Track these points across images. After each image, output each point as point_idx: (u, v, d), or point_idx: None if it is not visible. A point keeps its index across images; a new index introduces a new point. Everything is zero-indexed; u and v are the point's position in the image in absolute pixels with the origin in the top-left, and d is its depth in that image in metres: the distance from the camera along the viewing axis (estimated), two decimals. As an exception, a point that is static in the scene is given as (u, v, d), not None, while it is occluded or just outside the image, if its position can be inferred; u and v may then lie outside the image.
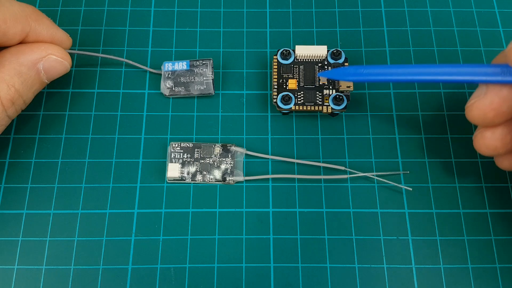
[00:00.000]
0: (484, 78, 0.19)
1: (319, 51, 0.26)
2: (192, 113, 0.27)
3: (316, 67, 0.26)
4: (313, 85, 0.26)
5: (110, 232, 0.24)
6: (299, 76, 0.26)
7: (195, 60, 0.27)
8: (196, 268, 0.23)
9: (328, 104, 0.25)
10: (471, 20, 0.29)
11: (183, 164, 0.25)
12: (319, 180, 0.25)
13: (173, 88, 0.27)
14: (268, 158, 0.26)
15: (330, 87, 0.26)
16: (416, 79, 0.20)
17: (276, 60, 0.26)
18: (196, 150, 0.25)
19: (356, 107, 0.27)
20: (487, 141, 0.21)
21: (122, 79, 0.27)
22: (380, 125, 0.26)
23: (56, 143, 0.26)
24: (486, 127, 0.21)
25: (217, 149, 0.25)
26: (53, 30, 0.24)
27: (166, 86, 0.27)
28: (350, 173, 0.25)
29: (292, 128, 0.26)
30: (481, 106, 0.20)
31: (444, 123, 0.27)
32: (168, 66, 0.27)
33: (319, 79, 0.26)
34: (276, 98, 0.26)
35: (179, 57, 0.28)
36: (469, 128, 0.26)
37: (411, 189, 0.25)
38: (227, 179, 0.25)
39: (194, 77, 0.27)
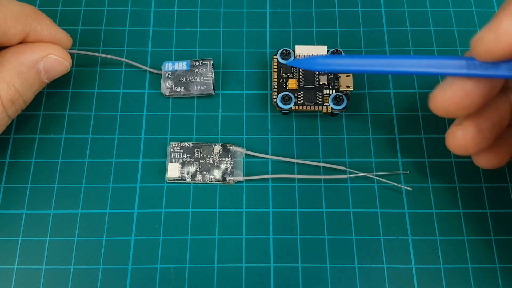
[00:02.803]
0: (449, 70, 0.19)
1: (319, 51, 0.26)
2: (192, 113, 0.27)
3: (316, 67, 0.26)
4: (313, 85, 0.26)
5: (110, 232, 0.24)
6: (299, 76, 0.26)
7: (195, 60, 0.27)
8: (196, 268, 0.23)
9: (328, 104, 0.26)
10: (471, 20, 0.29)
11: (183, 164, 0.25)
12: (319, 180, 0.25)
13: (173, 88, 0.27)
14: (268, 158, 0.26)
15: (330, 87, 0.26)
16: (382, 70, 0.20)
17: (276, 60, 0.26)
18: (196, 150, 0.25)
19: (356, 107, 0.27)
20: (458, 140, 0.20)
21: (122, 79, 0.27)
22: (380, 125, 0.26)
23: (56, 143, 0.26)
24: (456, 123, 0.20)
25: (217, 149, 0.25)
26: (53, 30, 0.24)
27: (166, 86, 0.27)
28: (350, 173, 0.25)
29: (292, 128, 0.26)
30: (443, 98, 0.19)
31: (444, 123, 0.27)
32: (168, 66, 0.27)
33: (319, 79, 0.26)
34: (276, 98, 0.26)
35: (179, 57, 0.28)
36: (469, 128, 0.26)
37: (411, 189, 0.25)
38: (227, 179, 0.25)
39: (194, 77, 0.27)
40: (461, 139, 0.20)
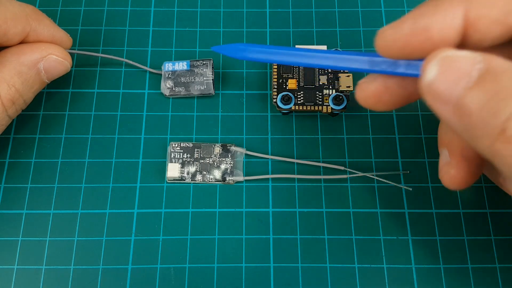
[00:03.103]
0: (355, 65, 0.19)
1: (319, 51, 0.26)
2: (192, 113, 0.27)
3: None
4: (313, 85, 0.26)
5: (110, 232, 0.24)
6: (299, 76, 0.26)
7: (195, 60, 0.27)
8: (196, 268, 0.23)
9: (328, 104, 0.26)
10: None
11: (183, 164, 0.25)
12: (319, 180, 0.25)
13: (173, 88, 0.27)
14: (268, 158, 0.26)
15: (330, 87, 0.26)
16: (295, 61, 0.20)
17: (276, 60, 0.26)
18: (196, 150, 0.25)
19: (356, 107, 0.27)
20: (452, 178, 0.20)
21: (122, 79, 0.27)
22: (380, 125, 0.26)
23: (56, 143, 0.26)
24: (447, 162, 0.21)
25: (217, 149, 0.25)
26: (54, 30, 0.24)
27: (166, 86, 0.27)
28: (350, 173, 0.25)
29: (292, 128, 0.26)
30: (366, 90, 0.19)
31: (444, 123, 0.27)
32: (168, 66, 0.27)
33: (319, 79, 0.26)
34: (276, 98, 0.26)
35: (179, 57, 0.28)
36: (469, 128, 0.26)
37: (411, 189, 0.25)
38: (227, 179, 0.25)
39: (194, 77, 0.27)
40: (456, 177, 0.20)
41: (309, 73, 0.26)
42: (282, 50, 0.21)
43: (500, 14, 0.16)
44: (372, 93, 0.19)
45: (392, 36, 0.17)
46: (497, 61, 0.15)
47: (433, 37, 0.17)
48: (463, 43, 0.17)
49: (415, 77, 0.18)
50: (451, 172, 0.20)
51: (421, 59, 0.17)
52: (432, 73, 0.16)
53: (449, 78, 0.15)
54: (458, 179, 0.20)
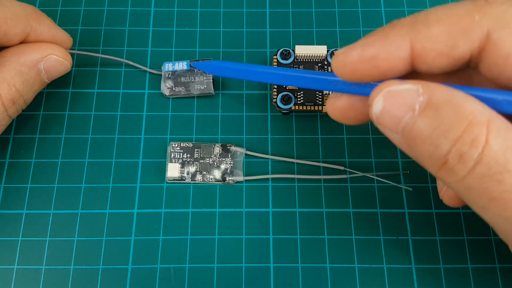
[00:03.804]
0: (319, 85, 0.20)
1: (319, 51, 0.26)
2: (192, 113, 0.27)
3: (316, 67, 0.26)
4: (313, 85, 0.26)
5: (110, 232, 0.24)
6: (299, 76, 0.26)
7: (195, 60, 0.27)
8: (196, 268, 0.23)
9: (328, 104, 0.26)
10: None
11: (183, 164, 0.25)
12: (319, 180, 0.25)
13: (173, 88, 0.27)
14: (268, 158, 0.26)
15: (330, 87, 0.26)
16: (266, 80, 0.22)
17: (276, 60, 0.27)
18: (196, 150, 0.25)
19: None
20: (452, 198, 0.21)
21: (122, 79, 0.27)
22: (380, 125, 0.26)
23: (56, 143, 0.26)
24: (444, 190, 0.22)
25: (217, 149, 0.25)
26: (54, 30, 0.24)
27: (166, 86, 0.27)
28: (350, 173, 0.25)
29: (292, 128, 0.26)
30: (333, 106, 0.20)
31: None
32: (168, 66, 0.27)
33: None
34: (276, 98, 0.26)
35: (179, 57, 0.28)
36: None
37: (411, 189, 0.25)
38: (227, 179, 0.25)
39: (194, 77, 0.27)
40: (454, 197, 0.21)
41: (309, 73, 0.26)
42: (255, 69, 0.22)
43: (445, 48, 0.17)
44: (339, 109, 0.20)
45: (343, 62, 0.18)
46: (439, 93, 0.16)
47: (379, 65, 0.17)
48: (413, 70, 0.18)
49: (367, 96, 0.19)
50: (451, 193, 0.21)
51: (373, 82, 0.18)
52: (379, 107, 0.17)
53: (394, 112, 0.16)
54: (458, 199, 0.21)
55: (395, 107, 0.16)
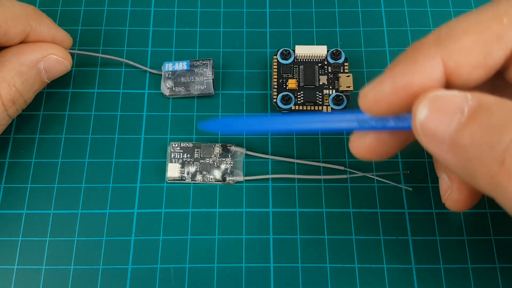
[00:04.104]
0: (343, 125, 0.19)
1: (319, 51, 0.26)
2: (192, 113, 0.27)
3: (316, 67, 0.26)
4: (313, 85, 0.26)
5: (110, 232, 0.24)
6: (299, 76, 0.26)
7: (195, 60, 0.27)
8: (196, 268, 0.23)
9: (328, 104, 0.26)
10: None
11: (183, 164, 0.25)
12: (319, 180, 0.25)
13: (173, 88, 0.27)
14: (268, 158, 0.26)
15: (330, 87, 0.26)
16: (285, 129, 0.20)
17: (276, 60, 0.27)
18: (196, 150, 0.25)
19: (356, 107, 0.27)
20: (456, 203, 0.21)
21: (122, 79, 0.27)
22: (380, 125, 0.26)
23: (56, 143, 0.26)
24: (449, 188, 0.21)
25: (217, 149, 0.25)
26: (54, 30, 0.24)
27: (166, 86, 0.27)
28: (350, 173, 0.25)
29: (292, 128, 0.26)
30: (360, 146, 0.19)
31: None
32: (168, 67, 0.27)
33: (319, 79, 0.26)
34: (276, 98, 0.26)
35: (179, 57, 0.28)
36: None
37: (411, 189, 0.25)
38: (227, 179, 0.25)
39: (194, 77, 0.27)
40: (458, 201, 0.21)
41: (309, 73, 0.26)
42: (270, 120, 0.20)
43: (479, 58, 0.16)
44: (367, 148, 0.19)
45: (374, 97, 0.17)
46: (488, 97, 0.15)
47: (415, 92, 0.16)
48: (448, 87, 0.17)
49: (408, 129, 0.18)
50: (454, 197, 0.21)
51: (409, 112, 0.17)
52: (423, 114, 0.16)
53: (441, 116, 0.15)
54: (461, 202, 0.21)
55: (442, 111, 0.15)
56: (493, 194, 0.15)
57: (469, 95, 0.15)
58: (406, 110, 0.17)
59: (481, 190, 0.15)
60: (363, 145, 0.19)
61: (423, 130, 0.16)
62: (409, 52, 0.17)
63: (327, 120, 0.19)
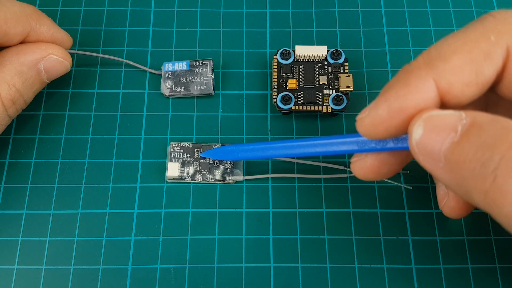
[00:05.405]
0: (344, 148, 0.20)
1: (319, 51, 0.26)
2: (192, 113, 0.27)
3: (316, 67, 0.26)
4: (313, 85, 0.26)
5: (110, 232, 0.24)
6: (299, 76, 0.26)
7: (195, 60, 0.27)
8: (196, 268, 0.23)
9: (328, 104, 0.26)
10: (470, 20, 0.29)
11: (183, 164, 0.25)
12: (319, 180, 0.25)
13: (173, 88, 0.27)
14: (267, 158, 0.26)
15: (330, 87, 0.26)
16: (285, 154, 0.22)
17: (276, 60, 0.27)
18: (196, 150, 0.25)
19: (356, 107, 0.27)
20: (453, 209, 0.21)
21: (122, 79, 0.27)
22: (380, 125, 0.26)
23: (56, 143, 0.26)
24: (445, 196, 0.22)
25: (217, 149, 0.25)
26: (54, 30, 0.24)
27: (166, 86, 0.27)
28: (350, 172, 0.25)
29: (292, 128, 0.26)
30: (361, 167, 0.20)
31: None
32: (168, 67, 0.27)
33: (319, 79, 0.26)
34: (276, 98, 0.26)
35: (179, 57, 0.28)
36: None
37: (411, 187, 0.25)
38: (227, 178, 0.25)
39: (194, 77, 0.27)
40: (455, 208, 0.21)
41: (309, 73, 0.26)
42: (272, 145, 0.22)
43: (470, 77, 0.17)
44: (369, 169, 0.20)
45: (371, 122, 0.17)
46: (482, 115, 0.15)
47: (411, 114, 0.17)
48: (442, 107, 0.18)
49: (406, 150, 0.18)
50: (451, 204, 0.21)
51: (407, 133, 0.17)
52: (418, 133, 0.16)
53: (435, 135, 0.16)
54: (458, 210, 0.21)
55: (436, 130, 0.16)
56: (488, 210, 0.15)
57: (463, 114, 0.16)
58: (403, 131, 0.17)
59: (477, 206, 0.16)
60: (364, 166, 0.20)
61: (419, 149, 0.16)
62: (401, 75, 0.17)
63: (328, 144, 0.20)
